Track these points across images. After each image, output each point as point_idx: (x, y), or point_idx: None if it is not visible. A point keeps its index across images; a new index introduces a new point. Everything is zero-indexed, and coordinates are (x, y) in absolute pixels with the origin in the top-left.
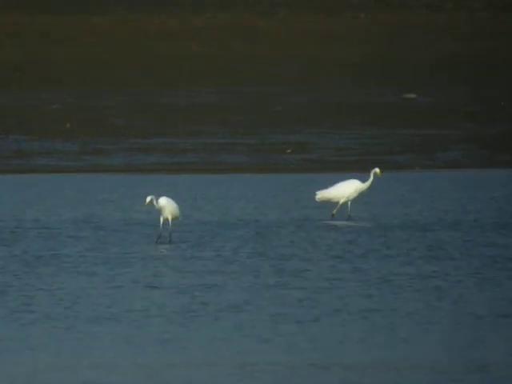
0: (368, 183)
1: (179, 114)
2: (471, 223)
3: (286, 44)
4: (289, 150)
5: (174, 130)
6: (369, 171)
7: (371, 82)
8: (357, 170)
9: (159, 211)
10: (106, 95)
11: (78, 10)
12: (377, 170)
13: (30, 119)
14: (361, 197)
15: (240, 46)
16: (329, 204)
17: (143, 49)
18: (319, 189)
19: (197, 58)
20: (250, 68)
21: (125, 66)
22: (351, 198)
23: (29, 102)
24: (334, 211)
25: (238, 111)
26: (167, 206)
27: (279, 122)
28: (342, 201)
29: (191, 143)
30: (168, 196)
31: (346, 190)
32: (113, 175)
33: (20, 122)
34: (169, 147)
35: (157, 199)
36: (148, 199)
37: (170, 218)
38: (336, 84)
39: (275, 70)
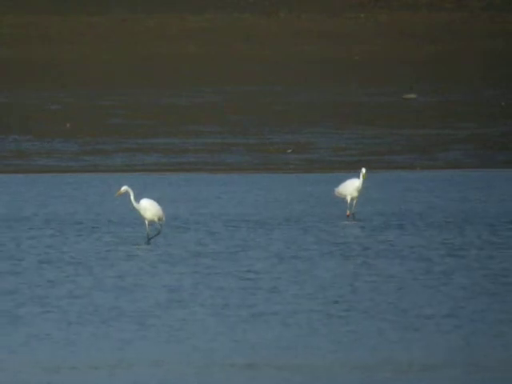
0: (360, 181)
1: (179, 113)
2: (473, 222)
3: (285, 44)
4: (289, 150)
5: (173, 130)
6: (369, 171)
7: (371, 82)
8: (357, 169)
9: (140, 212)
10: (106, 95)
11: (78, 9)
12: (363, 170)
13: (29, 119)
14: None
15: (240, 46)
16: (339, 201)
17: (143, 49)
18: (319, 188)
19: (197, 58)
20: (250, 68)
21: (125, 66)
22: (354, 196)
23: (28, 102)
24: (348, 211)
25: (238, 111)
26: (148, 207)
27: (279, 122)
28: (348, 199)
29: (191, 143)
30: (167, 196)
31: (348, 188)
32: (112, 175)
33: (19, 122)
34: (169, 147)
35: (136, 199)
36: (122, 189)
37: (155, 219)
38: (336, 84)
39: (275, 69)
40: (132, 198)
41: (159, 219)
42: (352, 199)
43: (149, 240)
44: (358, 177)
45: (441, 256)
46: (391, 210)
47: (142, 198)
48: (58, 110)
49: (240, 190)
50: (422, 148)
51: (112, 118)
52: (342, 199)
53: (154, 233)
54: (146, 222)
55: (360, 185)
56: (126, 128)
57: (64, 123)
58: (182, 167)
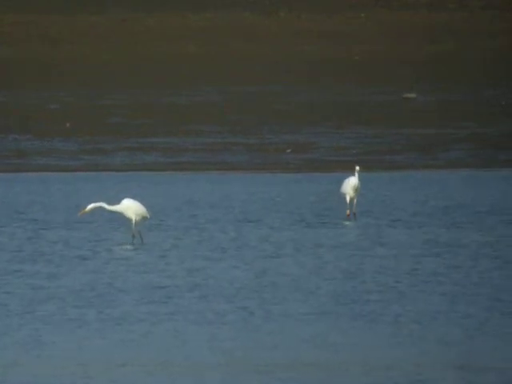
0: (356, 179)
1: (179, 113)
2: (473, 221)
3: (286, 44)
4: (288, 150)
5: (173, 130)
6: (368, 171)
7: (371, 82)
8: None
9: (123, 213)
10: (106, 95)
11: (78, 9)
12: (357, 168)
13: (29, 118)
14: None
15: (240, 46)
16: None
17: (143, 48)
18: (318, 188)
19: (197, 58)
20: (250, 68)
21: (125, 66)
22: (351, 195)
23: (28, 102)
24: (348, 211)
25: (237, 111)
26: (131, 206)
27: (279, 122)
28: (347, 198)
29: (191, 142)
30: (165, 195)
31: (345, 186)
32: (112, 174)
33: (20, 122)
34: (168, 146)
35: (112, 203)
36: (88, 208)
37: (133, 218)
38: (336, 83)
39: (275, 69)
40: (105, 206)
41: (143, 218)
42: (351, 198)
43: (133, 240)
44: (355, 176)
45: (435, 255)
46: (391, 210)
47: (143, 199)
48: (57, 110)
49: (240, 189)
50: (422, 147)
51: (112, 117)
52: (344, 199)
53: (130, 233)
54: (130, 221)
55: (356, 183)
56: (126, 127)
57: (64, 122)
58: (182, 166)
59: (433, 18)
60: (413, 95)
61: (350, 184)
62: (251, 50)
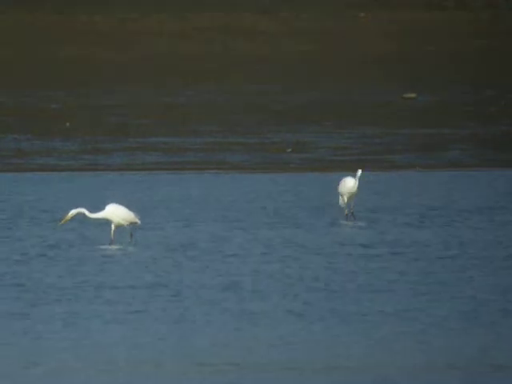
0: (356, 182)
1: (179, 113)
2: (471, 221)
3: (286, 44)
4: (289, 150)
5: (173, 130)
6: (368, 170)
7: (371, 82)
8: (357, 169)
9: (107, 218)
10: (106, 94)
11: (78, 9)
12: (359, 172)
13: (29, 118)
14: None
15: (240, 46)
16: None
17: (143, 48)
18: (318, 188)
19: (197, 58)
20: (250, 68)
21: (125, 66)
22: (347, 195)
23: (28, 101)
24: (346, 210)
25: (237, 111)
26: (116, 212)
27: (279, 122)
28: (345, 198)
29: (191, 142)
30: (164, 194)
31: (341, 187)
32: (112, 174)
33: (19, 121)
34: (168, 146)
35: (85, 211)
36: (70, 213)
37: (122, 223)
38: (336, 83)
39: (275, 69)
40: (87, 213)
41: (131, 223)
42: (349, 199)
43: (111, 242)
44: (354, 177)
45: (432, 255)
46: (390, 210)
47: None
48: (57, 109)
49: (239, 189)
50: (422, 147)
51: (112, 117)
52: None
53: (128, 237)
54: (113, 227)
55: (354, 185)
56: (126, 127)
57: (63, 122)
58: (182, 166)
59: (433, 17)
60: (413, 95)
61: (347, 185)
62: (251, 49)
